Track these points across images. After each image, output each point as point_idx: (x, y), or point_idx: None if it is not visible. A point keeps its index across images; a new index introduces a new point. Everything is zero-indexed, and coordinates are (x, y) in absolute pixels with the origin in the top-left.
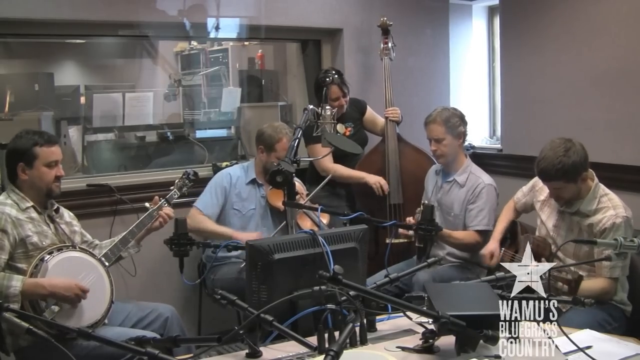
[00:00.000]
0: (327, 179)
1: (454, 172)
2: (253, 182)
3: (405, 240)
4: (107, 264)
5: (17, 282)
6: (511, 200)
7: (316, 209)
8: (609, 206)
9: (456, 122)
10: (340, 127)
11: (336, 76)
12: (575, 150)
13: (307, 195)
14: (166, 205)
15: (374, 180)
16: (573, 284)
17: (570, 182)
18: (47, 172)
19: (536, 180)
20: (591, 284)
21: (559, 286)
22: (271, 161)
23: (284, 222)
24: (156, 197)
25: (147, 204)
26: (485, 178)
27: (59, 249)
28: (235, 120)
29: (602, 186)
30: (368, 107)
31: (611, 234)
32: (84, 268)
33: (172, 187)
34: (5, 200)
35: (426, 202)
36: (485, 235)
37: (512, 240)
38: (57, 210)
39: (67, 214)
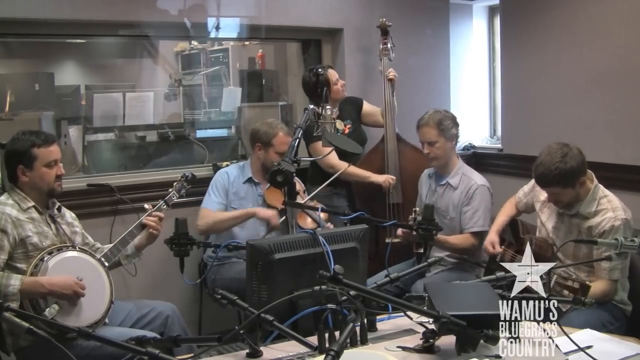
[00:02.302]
0: (334, 176)
1: (446, 175)
2: (249, 180)
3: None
4: (106, 264)
5: (15, 281)
6: (513, 197)
7: (316, 209)
8: (608, 208)
9: (448, 124)
10: (339, 124)
11: (326, 65)
12: (573, 155)
13: (310, 193)
14: (165, 206)
15: (384, 179)
16: (579, 294)
17: (567, 187)
18: (47, 172)
19: None
20: (593, 288)
21: (564, 294)
22: (270, 157)
23: (282, 217)
24: (149, 205)
25: (146, 205)
26: (478, 179)
27: (59, 249)
28: (235, 120)
29: (601, 187)
30: (364, 101)
31: (610, 237)
32: (84, 268)
33: (170, 190)
34: (7, 200)
35: (417, 209)
36: (481, 236)
37: (513, 240)
38: (59, 209)
39: (68, 215)
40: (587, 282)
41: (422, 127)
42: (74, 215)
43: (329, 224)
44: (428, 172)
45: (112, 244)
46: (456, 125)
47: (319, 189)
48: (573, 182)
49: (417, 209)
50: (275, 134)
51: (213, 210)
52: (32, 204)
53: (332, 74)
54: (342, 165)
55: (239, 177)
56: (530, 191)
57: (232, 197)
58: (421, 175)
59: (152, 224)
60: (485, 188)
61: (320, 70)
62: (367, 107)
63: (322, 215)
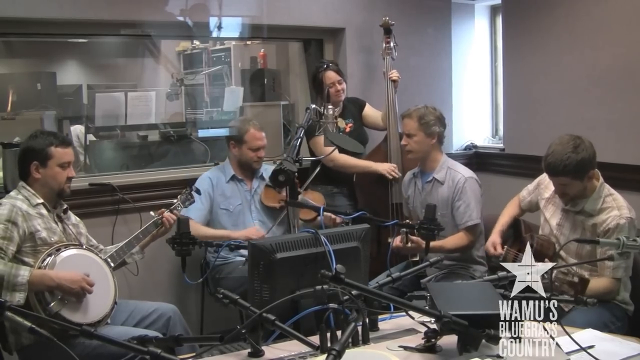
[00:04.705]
0: (315, 173)
1: (430, 172)
2: (233, 178)
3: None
4: (112, 265)
5: (25, 272)
6: (516, 197)
7: (318, 208)
8: (613, 206)
9: (431, 120)
10: (340, 122)
11: (330, 64)
12: (585, 147)
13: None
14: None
15: (385, 167)
16: (579, 287)
17: (576, 179)
18: (60, 172)
19: (541, 178)
20: (594, 284)
21: (564, 289)
22: (244, 153)
23: (282, 214)
24: (162, 209)
25: (152, 213)
26: (464, 171)
27: (67, 246)
28: None
29: (607, 186)
30: (367, 104)
31: (614, 235)
32: (91, 266)
33: (175, 200)
34: (17, 195)
35: (408, 222)
36: (475, 230)
37: (515, 239)
38: (65, 211)
39: (74, 218)
40: (587, 276)
41: (404, 119)
42: (78, 218)
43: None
44: (412, 173)
45: (118, 247)
46: (441, 124)
47: (307, 181)
48: (582, 174)
49: (409, 222)
50: (247, 130)
51: (194, 219)
52: (41, 201)
53: (329, 77)
54: (343, 158)
55: (221, 177)
56: (534, 189)
57: (219, 199)
58: (403, 179)
59: (171, 220)
60: (473, 180)
61: (320, 68)
62: (368, 109)
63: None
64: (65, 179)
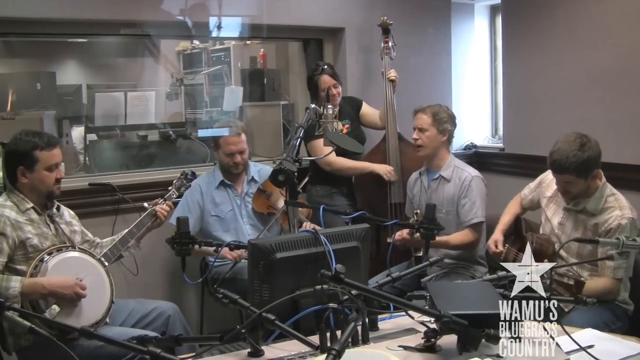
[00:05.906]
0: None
1: (437, 169)
2: (222, 183)
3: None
4: (106, 264)
5: (16, 283)
6: (518, 195)
7: (317, 208)
8: (615, 206)
9: (444, 117)
10: (337, 124)
11: (325, 67)
12: (591, 145)
13: (309, 192)
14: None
15: (382, 168)
16: (574, 290)
17: (581, 177)
18: (48, 175)
19: (543, 176)
20: (594, 284)
21: (560, 291)
22: (221, 158)
23: (272, 220)
24: (156, 200)
25: (145, 204)
26: (471, 170)
27: (59, 250)
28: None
29: (609, 186)
30: (364, 103)
31: (616, 235)
32: (84, 268)
33: (170, 187)
34: (5, 202)
35: (418, 211)
36: (479, 228)
37: (516, 238)
38: (58, 209)
39: (67, 213)
40: (582, 279)
41: (418, 113)
42: (72, 213)
43: (309, 224)
44: (417, 173)
45: (112, 244)
46: (452, 123)
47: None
48: (587, 173)
49: (418, 211)
50: (221, 134)
51: None
52: (31, 205)
53: (324, 82)
54: (340, 161)
55: (211, 183)
56: (536, 187)
57: (209, 207)
58: (409, 179)
59: (164, 212)
60: (480, 179)
61: (315, 72)
62: (366, 108)
63: (305, 211)
64: (53, 181)
